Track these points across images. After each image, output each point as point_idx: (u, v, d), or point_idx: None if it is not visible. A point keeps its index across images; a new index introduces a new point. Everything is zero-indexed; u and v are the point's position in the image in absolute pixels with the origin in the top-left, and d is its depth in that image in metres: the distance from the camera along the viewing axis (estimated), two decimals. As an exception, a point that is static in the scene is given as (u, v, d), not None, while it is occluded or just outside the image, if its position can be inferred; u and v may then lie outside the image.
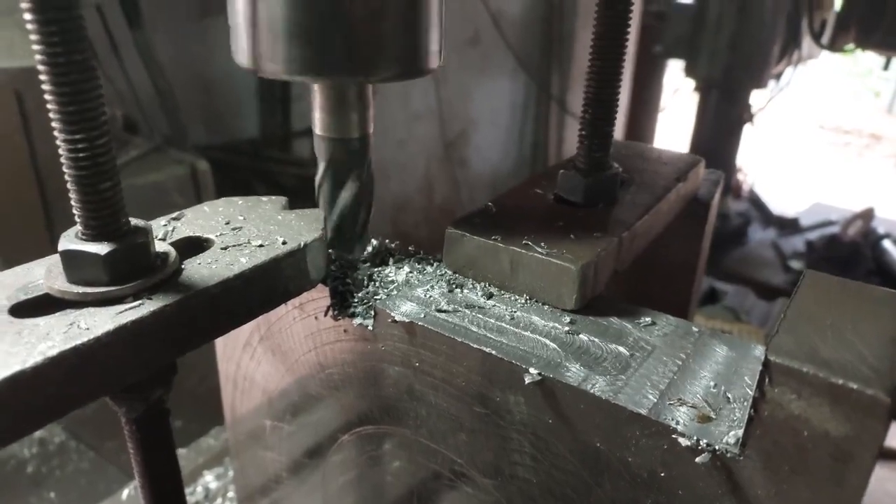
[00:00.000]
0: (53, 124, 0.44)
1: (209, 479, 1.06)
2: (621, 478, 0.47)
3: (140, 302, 0.46)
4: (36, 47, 0.42)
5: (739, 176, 4.28)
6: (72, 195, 0.46)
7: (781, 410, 0.38)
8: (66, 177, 0.46)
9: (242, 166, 2.65)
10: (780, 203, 4.37)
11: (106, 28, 2.05)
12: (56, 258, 0.49)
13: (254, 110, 2.73)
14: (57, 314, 0.45)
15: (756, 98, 3.82)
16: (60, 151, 0.45)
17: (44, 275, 0.48)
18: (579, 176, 0.64)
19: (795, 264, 3.40)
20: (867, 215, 3.73)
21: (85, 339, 0.42)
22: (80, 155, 0.44)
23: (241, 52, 0.53)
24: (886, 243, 3.42)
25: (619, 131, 4.71)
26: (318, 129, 0.57)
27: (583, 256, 0.55)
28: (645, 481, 0.46)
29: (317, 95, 0.56)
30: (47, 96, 0.43)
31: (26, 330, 0.43)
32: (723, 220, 3.70)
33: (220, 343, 0.72)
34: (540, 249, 0.56)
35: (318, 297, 0.59)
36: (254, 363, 0.68)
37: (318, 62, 0.49)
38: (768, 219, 3.98)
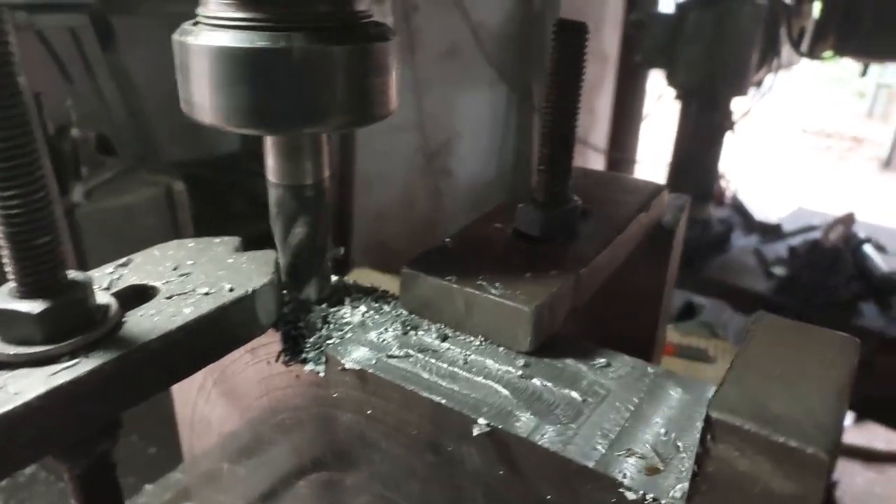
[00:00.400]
0: (-17, 181, 0.43)
1: (178, 515, 1.04)
2: (574, 530, 0.46)
3: (76, 361, 0.45)
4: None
5: (722, 183, 4.30)
6: (4, 251, 0.45)
7: (727, 467, 0.38)
8: (-1, 232, 0.45)
9: (221, 181, 2.63)
10: (764, 209, 4.39)
11: (80, 49, 2.04)
12: (-9, 314, 0.47)
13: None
14: (-12, 376, 0.43)
15: (737, 105, 3.84)
16: (-9, 208, 0.44)
17: (-22, 333, 0.47)
18: (537, 210, 0.64)
19: (778, 271, 3.41)
20: (848, 220, 3.75)
21: (14, 405, 0.41)
22: (14, 212, 0.43)
23: (182, 100, 0.51)
24: (867, 248, 3.44)
25: (602, 139, 4.73)
26: (270, 177, 0.56)
27: (537, 296, 0.54)
28: (597, 534, 0.45)
29: (268, 143, 0.55)
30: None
31: (-46, 396, 0.41)
32: (705, 227, 3.71)
33: (176, 386, 0.70)
34: (494, 290, 0.55)
35: (270, 341, 0.58)
36: (209, 406, 0.66)
37: (269, 116, 0.48)
38: (751, 225, 3.99)
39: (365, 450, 0.56)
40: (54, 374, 0.43)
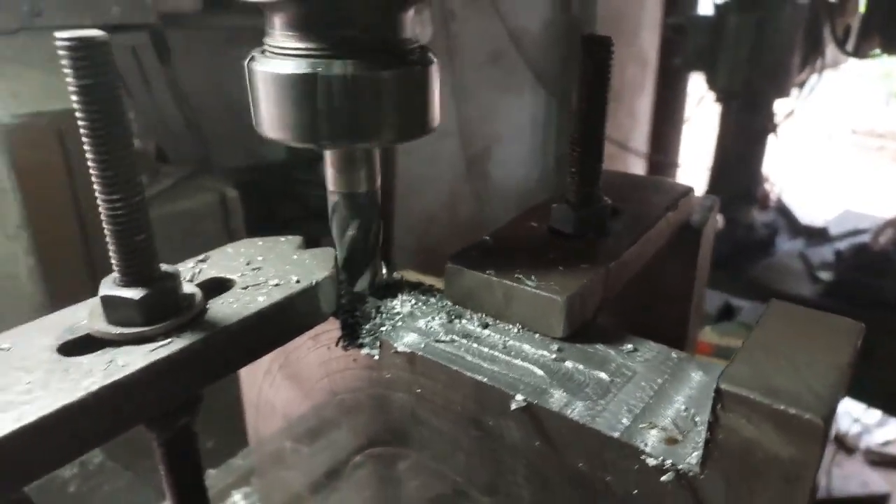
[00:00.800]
0: (95, 186, 0.51)
1: (237, 499, 1.12)
2: (603, 497, 0.51)
3: (170, 340, 0.52)
4: (81, 123, 0.49)
5: (766, 186, 4.25)
6: (110, 246, 0.53)
7: (735, 434, 0.43)
8: (105, 231, 0.52)
9: (272, 189, 2.74)
10: (810, 212, 4.32)
11: (140, 66, 2.17)
12: (97, 300, 0.55)
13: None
14: (98, 352, 0.51)
15: (779, 107, 3.80)
16: (100, 210, 0.51)
17: (87, 316, 0.55)
18: (570, 209, 0.69)
19: (824, 275, 3.36)
20: (898, 223, 3.67)
21: (122, 375, 0.48)
22: (118, 213, 0.51)
23: (253, 119, 0.59)
24: (918, 251, 3.36)
25: (642, 142, 4.71)
26: (329, 185, 0.64)
27: (569, 287, 0.60)
28: (622, 499, 0.50)
29: (326, 156, 0.62)
30: (90, 164, 0.50)
31: (72, 367, 0.49)
32: (749, 230, 3.67)
33: (244, 371, 0.78)
34: (530, 282, 0.61)
35: (330, 328, 0.65)
36: (273, 390, 0.74)
37: (324, 133, 0.56)
38: (796, 228, 3.94)
39: (416, 426, 0.62)
40: (152, 350, 0.51)
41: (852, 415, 3.77)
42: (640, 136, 4.78)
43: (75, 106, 0.48)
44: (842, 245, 3.64)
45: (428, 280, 0.73)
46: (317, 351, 0.67)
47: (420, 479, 0.67)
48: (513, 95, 3.97)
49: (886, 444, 3.64)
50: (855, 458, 3.66)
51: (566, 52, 4.18)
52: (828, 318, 0.50)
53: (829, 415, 0.40)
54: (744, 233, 3.67)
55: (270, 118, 0.57)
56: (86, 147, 0.49)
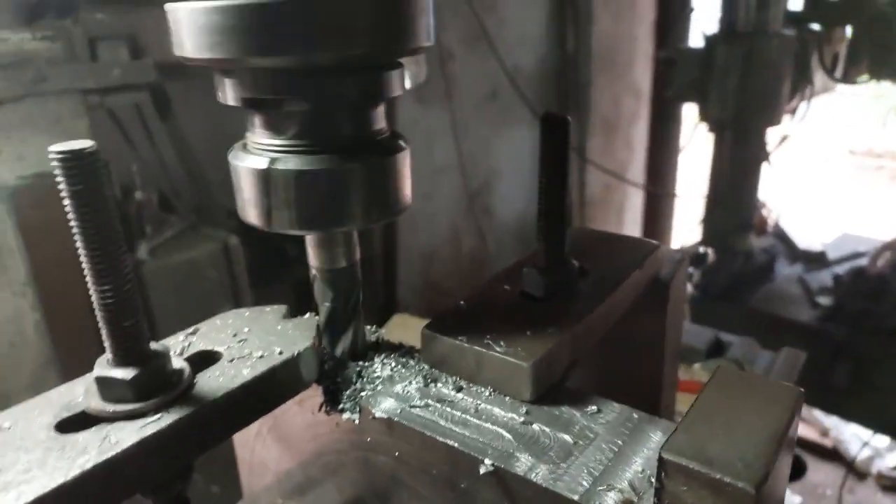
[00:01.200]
0: (87, 277, 0.55)
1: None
2: (567, 554, 0.54)
3: (160, 416, 0.56)
4: (73, 223, 0.53)
5: (763, 211, 4.28)
6: (102, 330, 0.57)
7: (678, 500, 0.46)
8: (97, 315, 0.57)
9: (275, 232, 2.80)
10: (808, 236, 4.35)
11: (142, 120, 2.24)
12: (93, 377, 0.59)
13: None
14: (93, 429, 0.55)
15: (772, 135, 3.85)
16: (92, 298, 0.56)
17: (83, 393, 0.59)
18: (539, 274, 0.73)
19: (823, 300, 3.37)
20: (895, 245, 3.69)
21: (114, 452, 0.52)
22: (108, 301, 0.55)
23: (237, 205, 0.64)
24: (917, 274, 3.38)
25: (639, 174, 4.74)
26: (311, 262, 0.68)
27: (536, 353, 0.63)
28: (585, 557, 0.53)
29: (307, 236, 0.67)
30: (82, 258, 0.55)
31: (69, 445, 0.53)
32: (746, 258, 3.70)
33: (236, 434, 0.81)
34: (499, 348, 0.64)
35: (315, 394, 0.69)
36: (265, 450, 0.77)
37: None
38: (795, 253, 3.96)
39: (396, 487, 0.65)
40: (143, 426, 0.55)
41: (862, 439, 3.75)
42: (636, 166, 4.84)
43: (67, 209, 0.53)
44: (840, 269, 3.66)
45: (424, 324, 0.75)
46: (303, 415, 0.71)
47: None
48: (511, 131, 4.05)
49: (899, 468, 3.60)
50: (867, 483, 3.63)
51: (563, 88, 4.27)
52: (766, 383, 0.53)
53: (762, 480, 0.43)
54: (742, 261, 3.70)
55: (243, 205, 0.62)
56: (78, 243, 0.54)
